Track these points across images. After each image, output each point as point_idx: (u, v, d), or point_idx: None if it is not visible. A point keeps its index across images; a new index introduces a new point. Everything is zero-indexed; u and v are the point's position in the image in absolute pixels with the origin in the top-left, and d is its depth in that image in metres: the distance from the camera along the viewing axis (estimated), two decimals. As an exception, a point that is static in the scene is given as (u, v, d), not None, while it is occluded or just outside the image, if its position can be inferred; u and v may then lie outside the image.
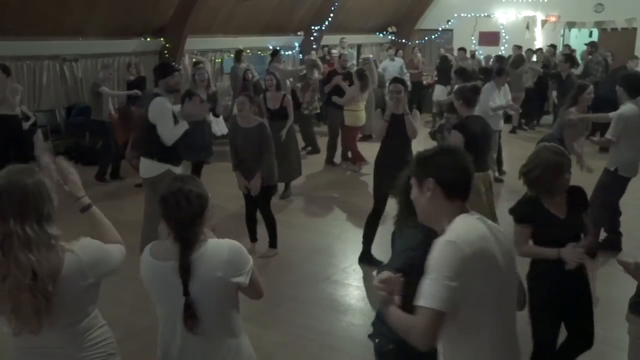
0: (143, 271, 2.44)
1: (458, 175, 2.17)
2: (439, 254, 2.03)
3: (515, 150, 9.47)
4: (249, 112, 5.72)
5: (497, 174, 8.69)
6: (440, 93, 12.48)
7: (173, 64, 6.02)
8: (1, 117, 8.11)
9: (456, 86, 6.36)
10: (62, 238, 2.20)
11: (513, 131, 12.19)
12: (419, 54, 14.48)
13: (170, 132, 5.24)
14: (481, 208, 4.66)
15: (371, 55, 14.66)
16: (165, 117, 5.25)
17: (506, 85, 8.48)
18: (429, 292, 2.01)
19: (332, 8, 14.34)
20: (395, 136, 5.69)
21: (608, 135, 5.77)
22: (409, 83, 13.11)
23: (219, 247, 2.36)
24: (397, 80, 6.00)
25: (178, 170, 5.41)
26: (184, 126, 5.30)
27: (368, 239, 5.81)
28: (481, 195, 5.03)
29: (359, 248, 6.02)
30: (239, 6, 12.42)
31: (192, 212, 2.29)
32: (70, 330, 2.24)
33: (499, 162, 9.14)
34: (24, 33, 9.52)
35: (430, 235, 2.21)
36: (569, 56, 10.48)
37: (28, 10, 9.28)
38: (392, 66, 13.30)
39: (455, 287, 2.00)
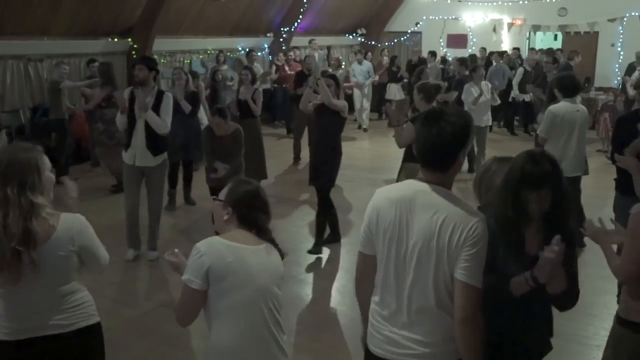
0: (227, 257, 2.39)
1: (417, 151, 2.35)
2: None
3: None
4: (225, 126, 6.12)
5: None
6: (395, 92, 13.03)
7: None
8: None
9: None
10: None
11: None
12: (385, 57, 14.64)
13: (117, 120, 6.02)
14: None
15: (340, 57, 14.80)
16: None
17: (487, 82, 9.32)
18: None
19: (302, 10, 14.38)
20: (318, 129, 6.19)
21: (539, 132, 6.02)
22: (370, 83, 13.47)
23: None
24: (329, 75, 6.38)
25: (124, 155, 5.92)
26: (118, 117, 5.92)
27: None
28: None
29: (325, 247, 6.08)
30: (207, 7, 12.38)
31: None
32: (52, 293, 2.54)
33: (472, 159, 9.55)
34: (-14, 32, 9.37)
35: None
36: (555, 58, 10.73)
37: (-9, 10, 9.13)
38: (359, 69, 13.42)
39: (364, 233, 2.42)
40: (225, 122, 6.10)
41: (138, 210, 5.95)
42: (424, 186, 2.30)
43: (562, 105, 5.83)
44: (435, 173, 2.30)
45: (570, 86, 5.91)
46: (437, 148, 2.25)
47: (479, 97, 8.85)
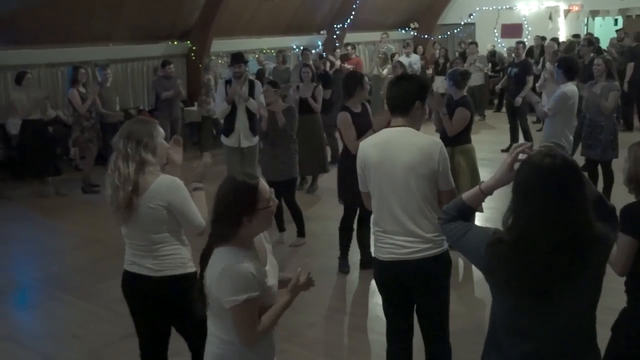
0: None
1: (388, 102, 3.24)
2: None
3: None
4: (276, 97, 6.21)
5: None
6: (440, 84, 12.93)
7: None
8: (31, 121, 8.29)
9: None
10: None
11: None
12: (437, 51, 14.58)
13: (217, 108, 7.35)
14: (460, 178, 5.39)
15: (394, 50, 14.83)
16: (217, 95, 7.24)
17: None
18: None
19: (354, 6, 14.51)
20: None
21: (546, 109, 6.04)
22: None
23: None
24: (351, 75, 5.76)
25: (226, 140, 6.95)
26: (220, 105, 6.99)
27: (344, 247, 5.65)
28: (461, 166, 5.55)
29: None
30: (261, 7, 12.67)
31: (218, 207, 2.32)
32: (147, 236, 3.02)
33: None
34: (56, 41, 9.92)
35: None
36: (590, 40, 10.49)
37: (59, 20, 9.67)
38: (406, 61, 13.45)
39: (360, 176, 3.23)
40: (276, 92, 6.26)
41: None
42: (397, 129, 3.14)
43: (570, 88, 5.97)
44: (400, 117, 3.16)
45: (575, 68, 6.10)
46: (399, 98, 3.17)
47: (544, 82, 9.09)
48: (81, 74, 8.53)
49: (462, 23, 17.04)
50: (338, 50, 13.39)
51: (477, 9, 16.62)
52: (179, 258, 3.10)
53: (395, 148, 3.07)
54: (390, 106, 3.23)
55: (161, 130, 3.13)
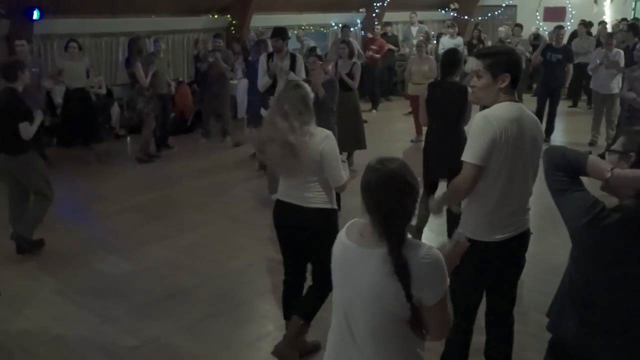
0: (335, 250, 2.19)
1: (519, 73, 3.00)
2: (476, 124, 2.92)
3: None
4: (320, 70, 6.32)
5: None
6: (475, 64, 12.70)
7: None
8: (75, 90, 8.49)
9: None
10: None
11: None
12: (482, 33, 14.36)
13: (259, 82, 7.26)
14: None
15: (433, 32, 14.69)
16: (259, 68, 7.25)
17: (619, 51, 9.04)
18: (470, 151, 2.90)
19: (394, -16, 14.38)
20: (438, 117, 5.34)
21: None
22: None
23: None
24: None
25: (265, 113, 6.80)
26: (262, 79, 7.11)
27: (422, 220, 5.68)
28: None
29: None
30: (302, -17, 12.67)
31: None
32: (304, 177, 3.57)
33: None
34: (102, 12, 10.11)
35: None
36: (633, 25, 10.24)
37: (105, -10, 9.85)
38: (450, 42, 13.32)
39: (487, 150, 2.87)
40: (321, 65, 6.39)
41: None
42: (520, 105, 3.01)
43: None
44: (513, 90, 2.98)
45: None
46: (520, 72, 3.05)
47: (598, 65, 8.93)
48: (142, 43, 8.65)
49: (504, 5, 16.74)
50: (378, 28, 13.30)
51: (520, -10, 16.30)
52: (326, 196, 3.64)
53: (526, 124, 2.98)
54: (515, 80, 2.99)
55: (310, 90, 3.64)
